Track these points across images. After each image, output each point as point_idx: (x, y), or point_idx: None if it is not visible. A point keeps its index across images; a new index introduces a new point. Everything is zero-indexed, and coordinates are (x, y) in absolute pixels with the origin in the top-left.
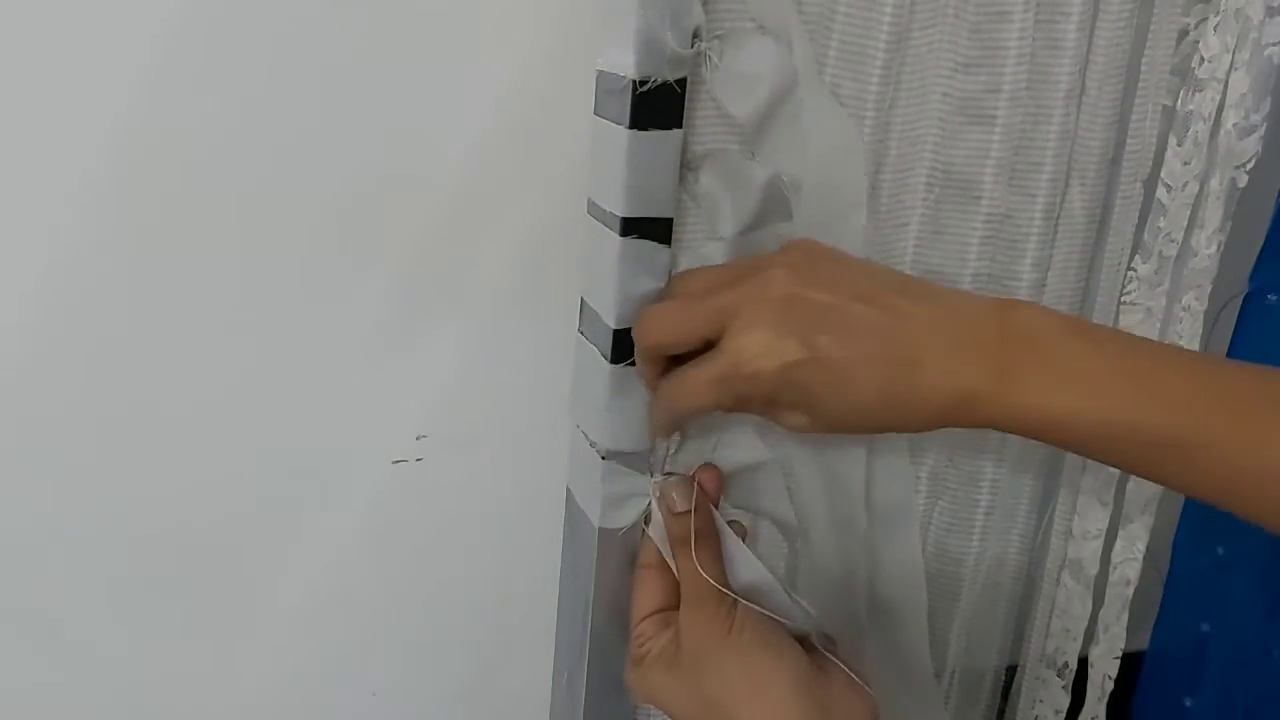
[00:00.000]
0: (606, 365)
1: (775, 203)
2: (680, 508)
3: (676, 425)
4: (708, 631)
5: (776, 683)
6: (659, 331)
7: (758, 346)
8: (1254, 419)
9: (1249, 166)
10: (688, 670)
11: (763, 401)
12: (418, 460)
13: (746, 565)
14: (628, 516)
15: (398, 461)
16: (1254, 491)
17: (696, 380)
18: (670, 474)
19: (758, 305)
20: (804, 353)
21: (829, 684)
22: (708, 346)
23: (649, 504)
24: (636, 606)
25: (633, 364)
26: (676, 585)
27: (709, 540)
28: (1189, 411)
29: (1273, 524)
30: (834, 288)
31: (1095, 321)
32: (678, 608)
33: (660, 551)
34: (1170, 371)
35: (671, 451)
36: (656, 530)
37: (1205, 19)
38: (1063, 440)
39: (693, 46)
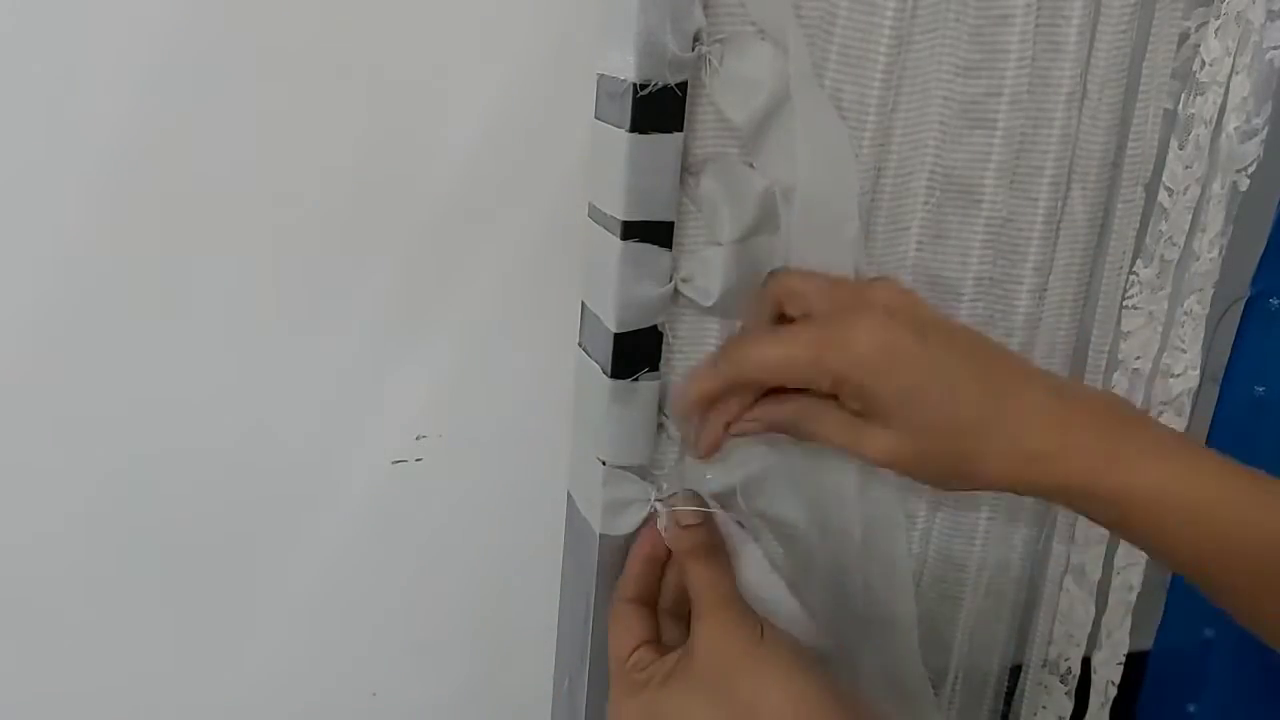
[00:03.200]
0: (606, 377)
1: (771, 212)
2: (689, 520)
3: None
4: (733, 641)
5: (813, 693)
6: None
7: (869, 322)
8: None
9: (1250, 170)
10: (711, 683)
11: (853, 393)
12: (418, 460)
13: (761, 577)
14: (629, 523)
15: (398, 461)
16: None
17: (791, 341)
18: (674, 494)
19: (872, 299)
20: (916, 343)
21: (855, 701)
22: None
23: (649, 511)
24: (618, 642)
25: (635, 379)
26: (655, 618)
27: (718, 553)
28: None
29: None
30: (944, 316)
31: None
32: (659, 640)
33: (636, 583)
34: None
35: (673, 463)
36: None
37: (1206, 22)
38: (1142, 519)
39: (694, 50)
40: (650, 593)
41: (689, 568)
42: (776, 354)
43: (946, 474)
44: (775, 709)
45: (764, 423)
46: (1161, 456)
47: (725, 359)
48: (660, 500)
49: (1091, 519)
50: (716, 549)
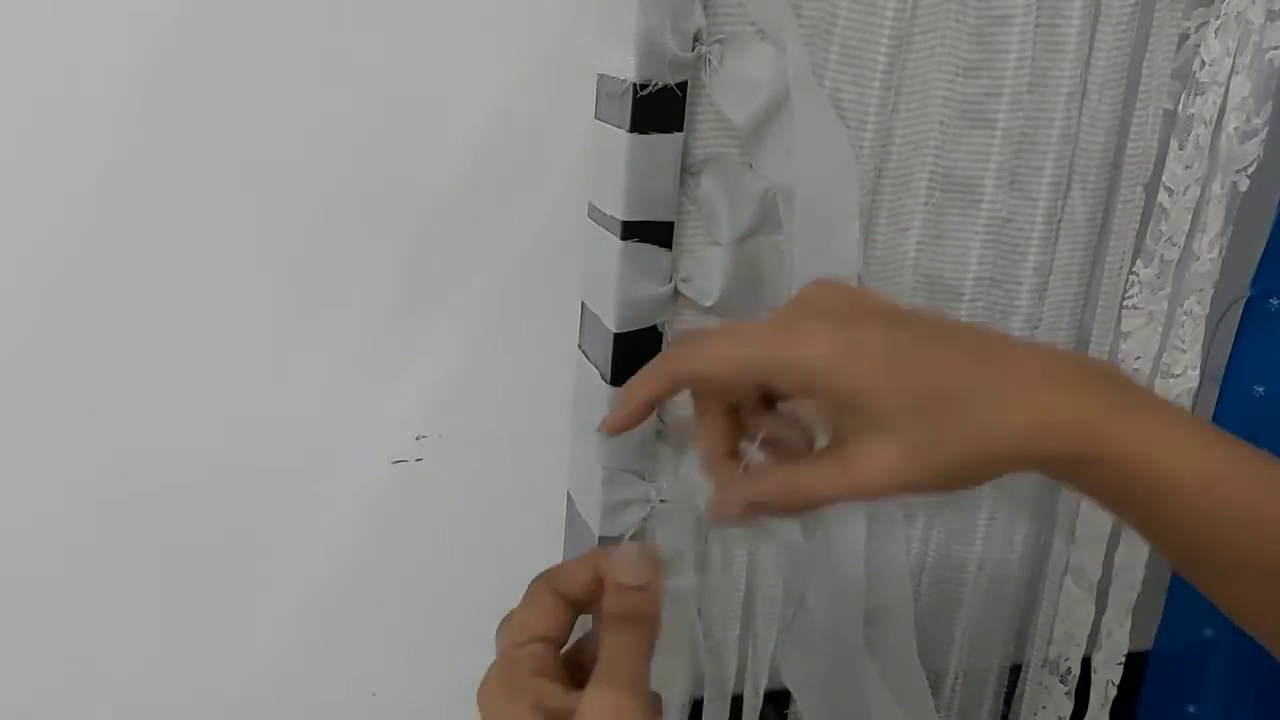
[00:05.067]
0: (605, 383)
1: (770, 212)
2: (630, 581)
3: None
4: None
5: None
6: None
7: (821, 324)
8: None
9: (1250, 170)
10: None
11: (828, 399)
12: (418, 460)
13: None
14: (628, 523)
15: (398, 461)
16: None
17: (744, 339)
18: (629, 537)
19: (813, 304)
20: (880, 329)
21: None
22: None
23: (649, 511)
24: (522, 622)
25: None
26: (570, 622)
27: (645, 625)
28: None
29: None
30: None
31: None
32: (560, 641)
33: (568, 583)
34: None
35: (673, 467)
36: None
37: (1206, 22)
38: (1150, 488)
39: (694, 50)
40: (578, 599)
41: (607, 631)
42: (730, 350)
43: (950, 463)
44: None
45: (753, 503)
46: (1170, 424)
47: (671, 358)
48: (660, 501)
49: (1091, 493)
50: (645, 620)
